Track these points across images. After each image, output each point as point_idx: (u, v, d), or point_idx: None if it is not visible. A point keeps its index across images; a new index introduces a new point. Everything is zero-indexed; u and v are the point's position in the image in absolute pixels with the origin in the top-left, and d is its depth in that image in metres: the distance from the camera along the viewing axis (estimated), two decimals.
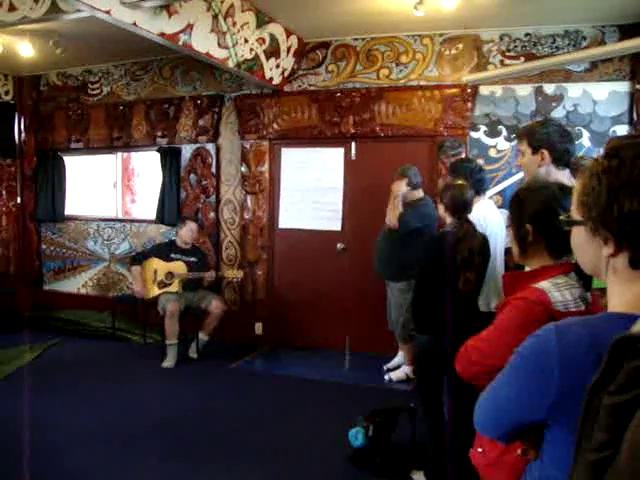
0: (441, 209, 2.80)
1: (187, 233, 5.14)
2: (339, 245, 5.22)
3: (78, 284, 6.47)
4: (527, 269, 1.53)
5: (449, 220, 2.75)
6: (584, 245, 0.93)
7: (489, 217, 3.18)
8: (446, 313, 2.41)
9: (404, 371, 4.53)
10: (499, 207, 3.73)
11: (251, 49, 4.50)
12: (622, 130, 4.38)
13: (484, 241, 2.71)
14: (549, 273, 1.41)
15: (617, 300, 0.88)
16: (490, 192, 4.33)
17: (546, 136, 2.03)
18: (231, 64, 4.38)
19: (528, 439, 1.07)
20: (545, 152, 2.02)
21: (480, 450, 1.38)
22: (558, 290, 1.36)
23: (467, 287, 2.53)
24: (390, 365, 4.74)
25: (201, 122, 5.64)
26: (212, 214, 5.68)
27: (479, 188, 3.25)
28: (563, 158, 2.04)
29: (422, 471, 2.94)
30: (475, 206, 2.90)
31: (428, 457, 2.86)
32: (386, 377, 4.55)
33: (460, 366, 1.53)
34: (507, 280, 1.54)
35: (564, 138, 2.05)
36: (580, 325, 0.90)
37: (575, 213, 0.94)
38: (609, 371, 0.69)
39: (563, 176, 2.01)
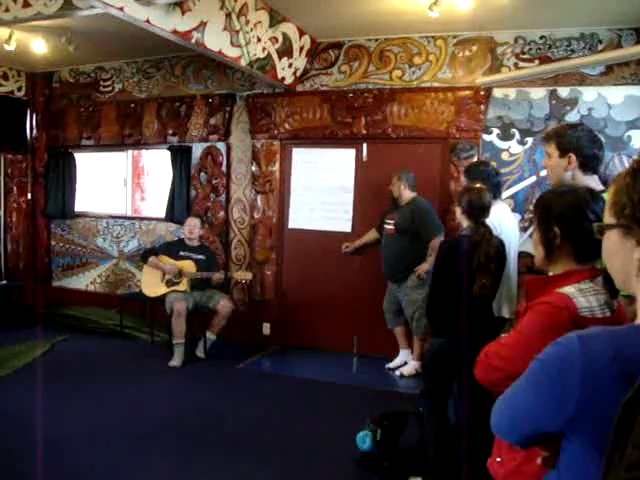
0: (458, 212, 2.76)
1: (187, 228, 5.18)
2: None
3: (87, 281, 6.49)
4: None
5: (466, 224, 2.71)
6: (615, 252, 0.89)
7: (504, 221, 3.14)
8: (461, 317, 2.38)
9: (413, 366, 4.59)
10: (512, 211, 3.69)
11: (264, 48, 4.48)
12: (637, 135, 4.32)
13: (500, 246, 2.68)
14: (574, 278, 1.37)
15: None
16: (502, 196, 4.30)
17: (575, 140, 1.99)
18: (243, 63, 4.36)
19: (548, 448, 1.04)
20: (573, 156, 1.98)
21: (499, 460, 1.34)
22: (583, 296, 1.32)
23: (482, 292, 2.50)
24: (392, 365, 4.75)
25: (212, 121, 5.63)
26: (222, 213, 5.67)
27: (495, 192, 3.21)
28: (590, 164, 2.00)
29: (419, 477, 2.89)
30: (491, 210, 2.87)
31: (427, 461, 2.82)
32: (397, 372, 4.60)
33: (480, 372, 1.48)
34: (530, 284, 1.48)
35: (593, 144, 2.01)
36: (605, 336, 0.86)
37: (608, 217, 0.90)
38: None
39: (590, 182, 1.96)
